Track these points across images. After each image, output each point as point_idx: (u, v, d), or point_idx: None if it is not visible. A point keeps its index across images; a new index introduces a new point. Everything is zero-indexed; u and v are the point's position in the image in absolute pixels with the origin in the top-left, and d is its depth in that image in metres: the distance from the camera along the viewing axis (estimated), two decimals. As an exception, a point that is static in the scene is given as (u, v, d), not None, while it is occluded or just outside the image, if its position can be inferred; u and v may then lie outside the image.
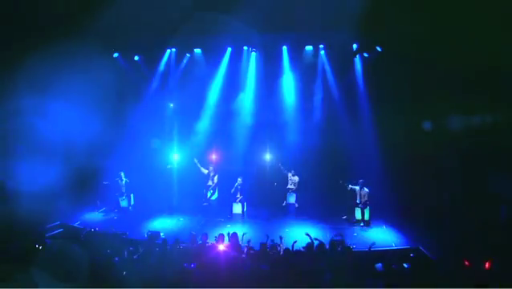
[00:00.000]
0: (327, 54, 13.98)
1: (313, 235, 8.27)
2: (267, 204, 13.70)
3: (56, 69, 12.14)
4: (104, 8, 11.46)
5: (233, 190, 13.37)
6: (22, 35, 12.01)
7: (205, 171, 13.71)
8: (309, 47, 13.89)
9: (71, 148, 13.54)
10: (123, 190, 13.73)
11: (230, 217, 12.96)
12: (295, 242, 8.05)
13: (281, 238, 8.45)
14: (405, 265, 7.31)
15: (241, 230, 9.31)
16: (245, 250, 7.82)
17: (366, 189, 12.11)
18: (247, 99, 14.79)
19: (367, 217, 12.13)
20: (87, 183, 13.62)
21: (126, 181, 13.76)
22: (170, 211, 13.36)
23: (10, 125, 12.72)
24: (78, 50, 12.28)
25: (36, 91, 12.44)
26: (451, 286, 5.88)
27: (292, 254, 7.43)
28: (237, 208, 13.19)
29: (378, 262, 7.24)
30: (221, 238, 8.55)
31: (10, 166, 12.40)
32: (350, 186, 12.34)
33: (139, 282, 6.41)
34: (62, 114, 12.88)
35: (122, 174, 13.75)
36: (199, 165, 13.70)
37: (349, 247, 8.07)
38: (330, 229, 11.50)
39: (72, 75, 12.47)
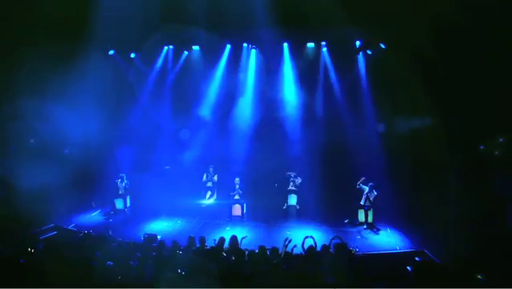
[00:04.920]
0: (329, 51, 13.73)
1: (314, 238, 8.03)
2: (267, 206, 13.43)
3: (53, 69, 12.08)
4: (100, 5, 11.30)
5: (232, 194, 13.10)
6: (19, 37, 11.77)
7: None
8: (310, 44, 13.65)
9: (66, 149, 13.31)
10: (122, 192, 13.42)
11: (229, 220, 12.66)
12: (295, 246, 7.80)
13: (288, 240, 8.14)
14: (409, 268, 7.06)
15: (240, 233, 9.06)
16: (246, 252, 7.58)
17: (374, 192, 11.78)
18: (247, 97, 14.54)
19: (370, 219, 11.84)
20: (82, 184, 13.33)
21: (126, 183, 13.44)
22: (168, 213, 13.06)
23: (7, 126, 12.47)
24: (74, 49, 12.11)
25: (32, 92, 12.24)
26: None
27: (292, 258, 7.26)
28: (237, 210, 12.88)
29: (381, 265, 7.00)
30: (220, 241, 8.28)
31: (5, 166, 12.12)
32: (359, 185, 12.03)
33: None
34: (57, 114, 12.63)
35: (124, 176, 13.45)
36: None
37: (350, 250, 7.83)
38: (332, 232, 11.21)
39: (69, 75, 12.31)
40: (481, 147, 12.27)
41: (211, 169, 14.30)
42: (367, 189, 11.85)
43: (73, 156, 13.26)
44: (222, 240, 8.30)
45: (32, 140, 13.62)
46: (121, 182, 13.37)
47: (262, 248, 7.63)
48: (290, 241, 7.93)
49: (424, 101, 12.12)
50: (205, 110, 14.84)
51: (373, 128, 13.52)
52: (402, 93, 12.39)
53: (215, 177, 14.06)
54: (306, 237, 7.87)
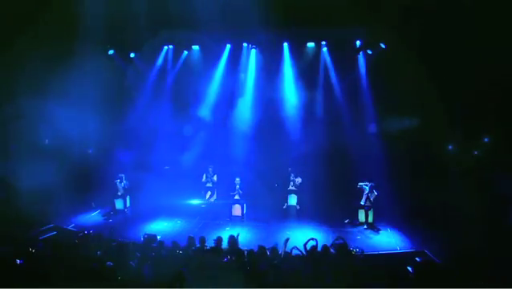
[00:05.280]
0: (329, 51, 13.71)
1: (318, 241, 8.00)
2: (267, 206, 13.40)
3: (53, 69, 12.00)
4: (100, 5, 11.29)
5: (232, 194, 13.08)
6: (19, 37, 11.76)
7: None
8: (311, 44, 13.63)
9: (66, 149, 13.28)
10: (121, 192, 13.39)
11: (230, 220, 12.63)
12: (294, 247, 7.75)
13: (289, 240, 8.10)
14: (409, 268, 7.05)
15: (240, 233, 9.02)
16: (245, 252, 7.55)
17: (375, 192, 11.75)
18: (247, 97, 14.53)
19: (370, 219, 11.80)
20: (82, 184, 13.30)
21: (125, 183, 13.42)
22: (167, 213, 13.04)
23: (6, 126, 12.45)
24: (74, 49, 12.09)
25: (31, 92, 12.23)
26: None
27: (292, 258, 7.21)
28: (237, 210, 12.85)
29: (381, 265, 6.98)
30: (218, 240, 8.26)
31: (5, 167, 12.10)
32: (359, 184, 11.99)
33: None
34: (57, 114, 12.61)
35: (123, 176, 13.42)
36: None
37: (350, 251, 7.80)
38: (332, 232, 11.20)
39: (68, 75, 12.26)
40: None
41: (210, 170, 14.27)
42: (367, 189, 11.83)
43: (73, 156, 13.22)
44: (220, 240, 8.28)
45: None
46: (120, 182, 13.34)
47: (261, 248, 7.62)
48: (288, 240, 7.90)
49: (424, 101, 12.12)
50: (205, 110, 14.81)
51: (373, 128, 13.50)
52: (402, 93, 12.37)
53: (214, 178, 14.04)
54: (312, 239, 7.83)
